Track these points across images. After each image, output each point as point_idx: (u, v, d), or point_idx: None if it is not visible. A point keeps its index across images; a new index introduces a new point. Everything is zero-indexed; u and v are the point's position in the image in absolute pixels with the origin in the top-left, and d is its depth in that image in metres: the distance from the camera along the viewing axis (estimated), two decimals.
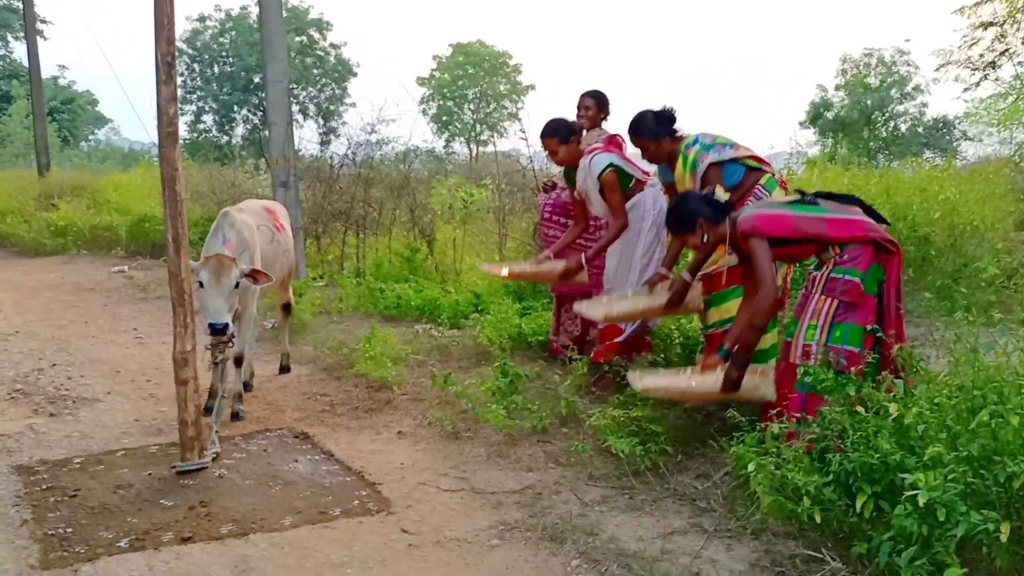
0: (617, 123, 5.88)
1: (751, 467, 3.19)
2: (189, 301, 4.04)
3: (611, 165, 5.20)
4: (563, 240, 5.66)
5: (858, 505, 2.90)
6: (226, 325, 4.37)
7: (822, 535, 3.18)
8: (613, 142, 5.93)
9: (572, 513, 3.65)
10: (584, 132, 6.13)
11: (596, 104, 6.07)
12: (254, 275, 4.64)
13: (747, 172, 4.66)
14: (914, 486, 2.57)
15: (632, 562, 3.20)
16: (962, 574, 2.49)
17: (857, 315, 3.73)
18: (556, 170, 8.33)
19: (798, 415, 3.49)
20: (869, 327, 3.68)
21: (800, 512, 3.06)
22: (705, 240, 3.99)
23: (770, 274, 3.73)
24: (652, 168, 5.54)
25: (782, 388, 3.82)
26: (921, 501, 2.50)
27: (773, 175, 4.73)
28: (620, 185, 5.26)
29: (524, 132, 8.08)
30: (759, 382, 3.91)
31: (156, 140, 3.95)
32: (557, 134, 5.43)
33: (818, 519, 3.01)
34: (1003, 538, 2.48)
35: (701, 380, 4.04)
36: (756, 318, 3.81)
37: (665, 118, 4.80)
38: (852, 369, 3.45)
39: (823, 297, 3.79)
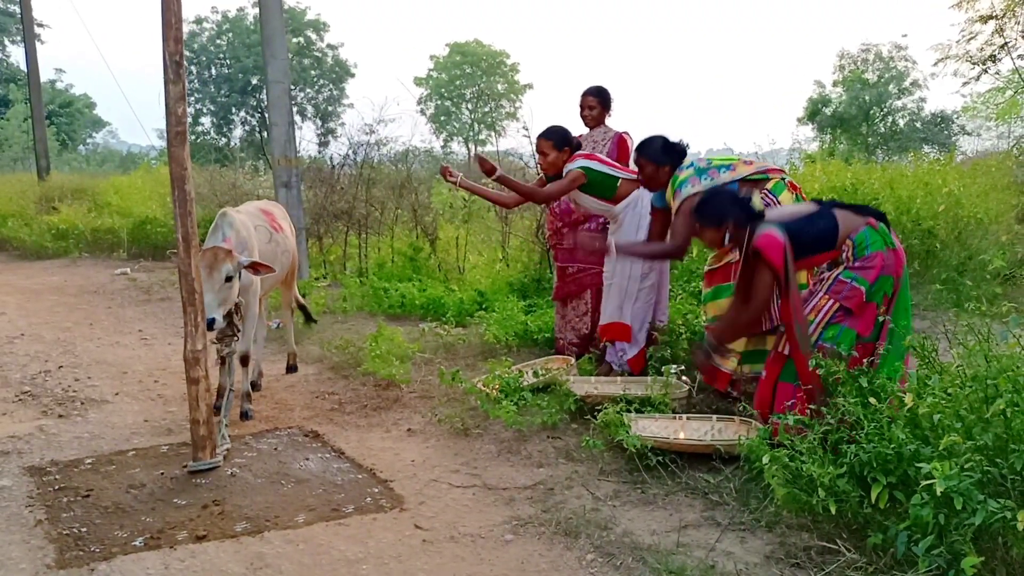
0: (618, 120, 5.93)
1: (765, 459, 3.20)
2: (200, 300, 4.04)
3: (582, 167, 5.29)
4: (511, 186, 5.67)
5: (873, 496, 2.91)
6: (213, 320, 4.31)
7: (836, 526, 3.19)
8: (620, 143, 5.96)
9: (585, 508, 3.66)
10: (589, 130, 6.16)
11: (599, 102, 6.09)
12: (255, 267, 4.64)
13: (740, 185, 4.68)
14: (930, 475, 2.58)
15: (647, 555, 3.21)
16: (979, 562, 2.50)
17: (854, 321, 3.77)
18: None
19: (788, 403, 3.54)
20: (865, 335, 3.72)
21: (815, 504, 3.08)
22: (725, 242, 4.01)
23: (763, 299, 3.87)
24: None
25: (770, 375, 3.89)
26: (939, 490, 2.51)
27: (783, 179, 4.76)
28: (605, 188, 5.33)
29: (527, 129, 8.05)
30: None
31: (154, 142, 3.98)
32: (554, 137, 5.48)
33: (833, 510, 3.02)
34: (1020, 526, 2.48)
35: (691, 430, 4.38)
36: (737, 326, 4.07)
37: (674, 150, 4.83)
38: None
39: (826, 296, 3.85)
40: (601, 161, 5.41)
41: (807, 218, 3.94)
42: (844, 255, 3.86)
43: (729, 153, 10.46)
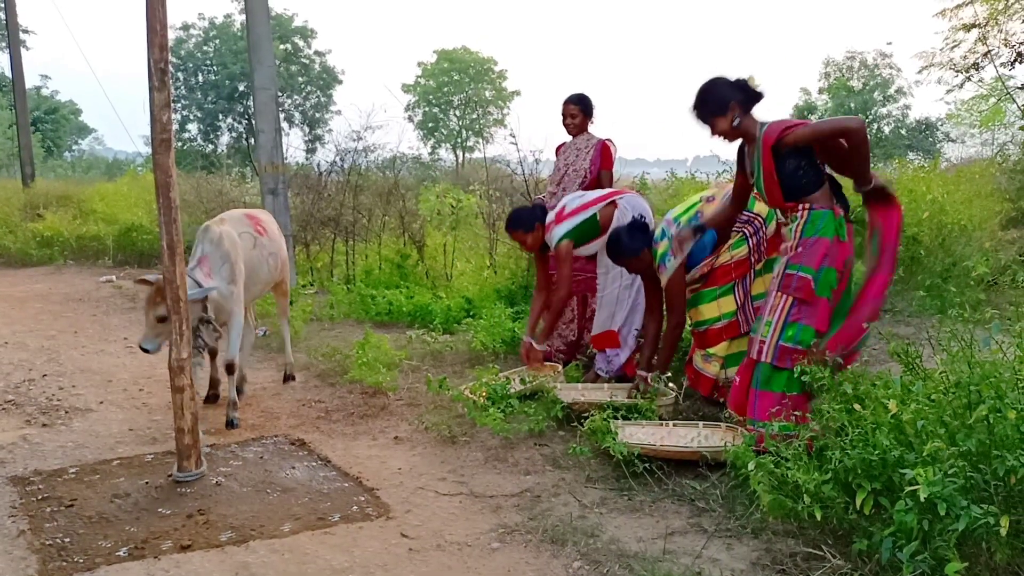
0: (603, 127, 5.95)
1: (751, 466, 3.21)
2: (184, 309, 4.02)
3: (565, 236, 5.28)
4: (533, 314, 5.63)
5: (858, 502, 2.92)
6: (147, 351, 4.51)
7: (822, 533, 3.21)
8: (603, 150, 5.97)
9: (572, 515, 3.65)
10: (572, 138, 6.18)
11: (581, 110, 6.11)
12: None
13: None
14: (914, 481, 2.59)
15: (633, 563, 3.21)
16: (962, 567, 2.51)
17: (811, 317, 3.78)
18: (546, 173, 8.36)
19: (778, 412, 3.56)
20: (823, 331, 3.75)
21: (800, 510, 3.08)
22: (735, 124, 3.96)
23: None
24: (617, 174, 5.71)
25: (743, 383, 3.90)
26: (922, 496, 2.52)
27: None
28: (590, 231, 5.31)
29: (514, 137, 8.07)
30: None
31: (140, 149, 3.97)
32: (521, 226, 5.48)
33: (818, 517, 3.02)
34: (1003, 532, 2.50)
35: (677, 436, 4.35)
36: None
37: (639, 230, 4.85)
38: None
39: (779, 294, 3.88)
40: (573, 213, 5.35)
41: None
42: (794, 226, 3.87)
43: (715, 160, 10.51)
